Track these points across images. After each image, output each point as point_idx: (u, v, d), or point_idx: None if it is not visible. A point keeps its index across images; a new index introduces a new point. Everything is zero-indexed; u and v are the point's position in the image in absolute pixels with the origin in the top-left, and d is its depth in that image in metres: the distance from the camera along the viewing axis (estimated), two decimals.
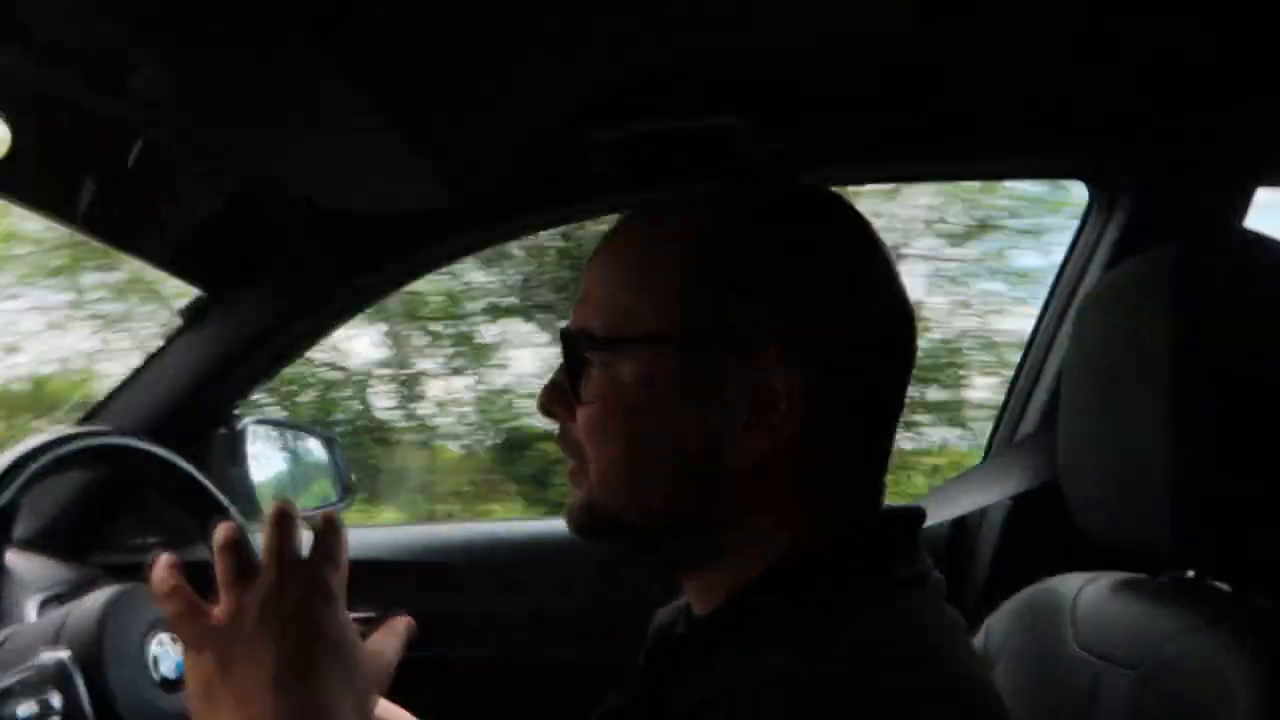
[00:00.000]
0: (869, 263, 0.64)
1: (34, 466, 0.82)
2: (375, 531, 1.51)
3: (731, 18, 0.88)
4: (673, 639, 0.64)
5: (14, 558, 1.20)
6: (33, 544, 1.32)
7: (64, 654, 0.78)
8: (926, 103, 1.08)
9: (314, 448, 1.60)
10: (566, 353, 0.65)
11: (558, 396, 0.67)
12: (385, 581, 1.41)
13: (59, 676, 0.78)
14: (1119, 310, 0.80)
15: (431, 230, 1.23)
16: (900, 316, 0.65)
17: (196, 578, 0.91)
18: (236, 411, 1.44)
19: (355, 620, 1.50)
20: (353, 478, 1.58)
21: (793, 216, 0.65)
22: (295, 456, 1.62)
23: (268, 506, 1.46)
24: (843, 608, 0.57)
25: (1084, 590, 0.83)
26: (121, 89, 0.79)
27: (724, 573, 0.63)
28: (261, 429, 1.50)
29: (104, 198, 1.10)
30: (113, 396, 1.34)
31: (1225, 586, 0.77)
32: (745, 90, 1.03)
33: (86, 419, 1.34)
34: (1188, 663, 0.67)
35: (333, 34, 0.76)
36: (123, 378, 1.35)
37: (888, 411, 0.65)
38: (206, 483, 0.99)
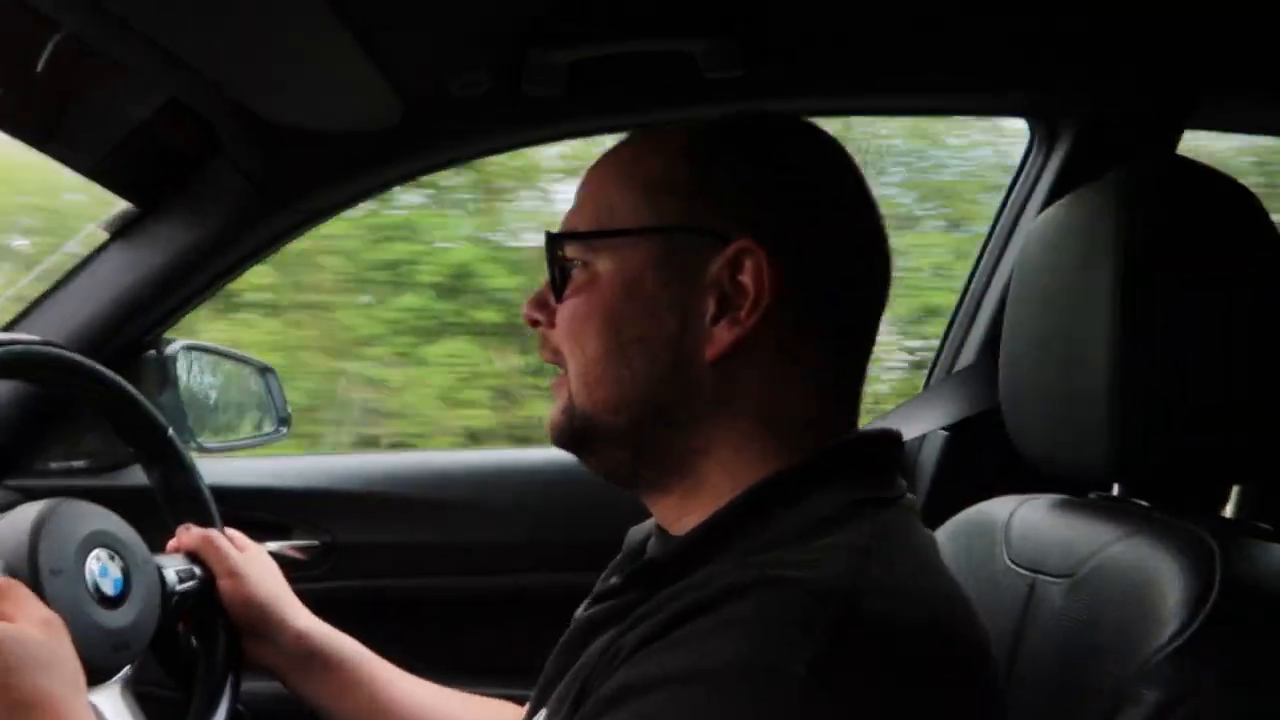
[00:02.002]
0: (842, 181, 0.67)
1: None
2: (338, 460, 1.49)
3: None
4: (655, 557, 0.64)
5: None
6: None
7: None
8: (872, 37, 1.09)
9: (249, 376, 1.55)
10: (549, 252, 0.67)
11: (540, 304, 0.69)
12: (343, 511, 1.39)
13: None
14: (1066, 237, 0.82)
15: (380, 151, 1.19)
16: (870, 235, 0.67)
17: (126, 504, 0.89)
18: (165, 334, 1.40)
19: (296, 548, 1.47)
20: (288, 410, 1.54)
21: (771, 133, 0.67)
22: (228, 385, 1.58)
23: (198, 434, 1.43)
24: (834, 517, 0.59)
25: (1017, 511, 0.87)
26: None
27: (703, 486, 0.65)
28: (193, 354, 1.45)
29: (21, 95, 1.04)
30: (31, 309, 1.27)
31: (1145, 503, 0.81)
32: (702, 17, 1.02)
33: (4, 330, 1.28)
34: (1116, 565, 0.70)
35: None
36: (42, 289, 1.28)
37: (859, 327, 0.67)
38: (146, 403, 0.95)
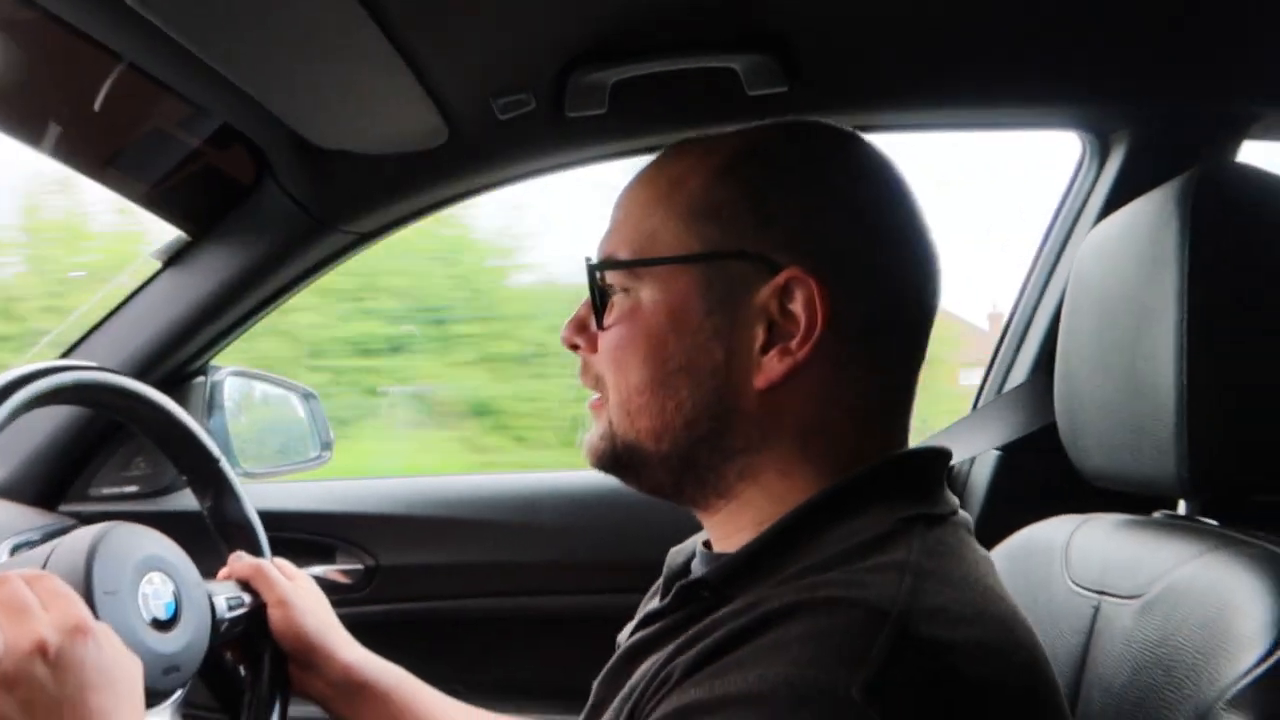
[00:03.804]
0: (892, 199, 0.65)
1: (26, 392, 0.77)
2: (382, 483, 1.49)
3: None
4: (701, 577, 0.63)
5: None
6: (0, 491, 1.29)
7: None
8: (921, 52, 1.08)
9: (292, 402, 1.57)
10: (590, 280, 0.66)
11: (580, 329, 0.68)
12: (392, 533, 1.40)
13: None
14: (1125, 248, 0.80)
15: (426, 173, 1.20)
16: (923, 255, 0.65)
17: (174, 527, 0.90)
18: (213, 360, 1.42)
19: (341, 571, 1.47)
20: (331, 435, 1.56)
21: (817, 147, 0.65)
22: (272, 410, 1.60)
23: (243, 459, 1.44)
24: (883, 536, 0.57)
25: (1077, 531, 0.84)
26: (116, 4, 0.76)
27: (748, 507, 0.64)
28: (238, 380, 1.47)
29: (78, 127, 1.06)
30: (87, 336, 1.30)
31: (1214, 522, 0.78)
32: (744, 34, 1.01)
33: (62, 357, 1.30)
34: (1190, 586, 0.67)
35: None
36: (97, 318, 1.31)
37: (909, 349, 0.65)
38: (199, 431, 0.96)
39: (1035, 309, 1.31)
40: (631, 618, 0.75)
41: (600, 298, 0.65)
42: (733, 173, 0.63)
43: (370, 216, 1.26)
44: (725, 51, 1.02)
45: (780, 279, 0.61)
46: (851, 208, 0.63)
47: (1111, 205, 1.18)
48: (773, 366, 0.61)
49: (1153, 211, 0.76)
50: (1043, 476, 1.03)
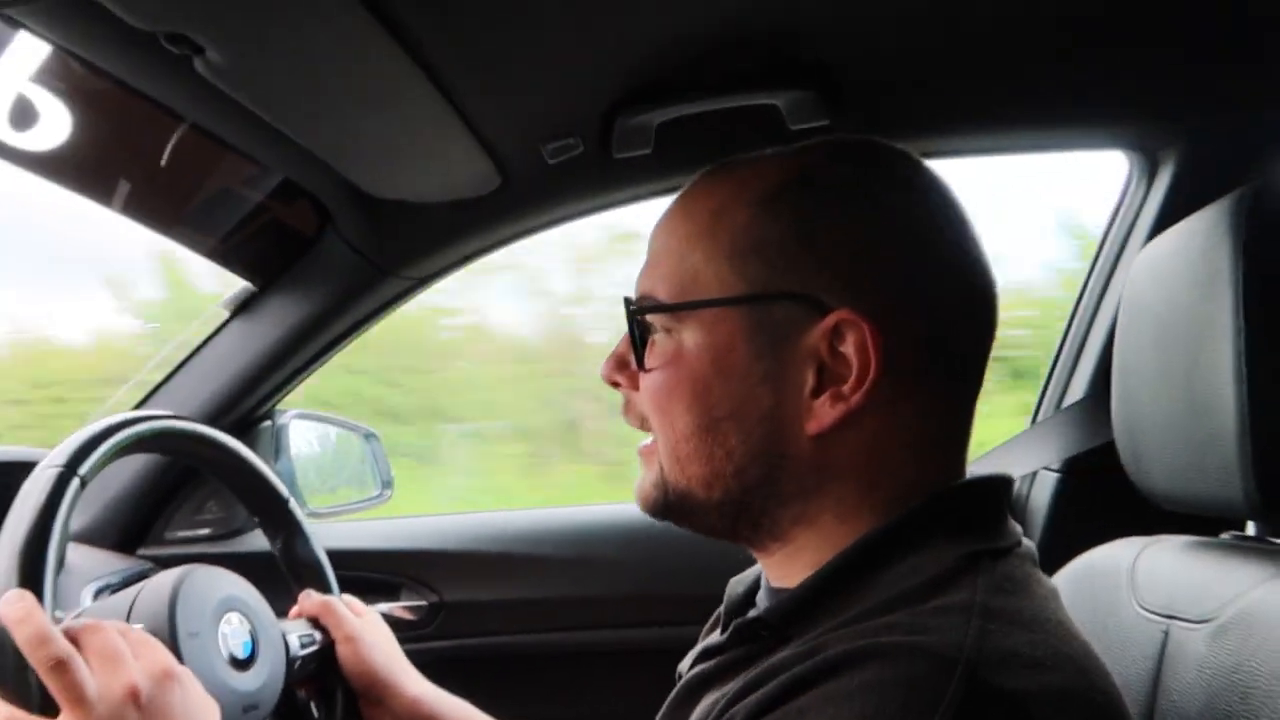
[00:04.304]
0: (945, 223, 0.61)
1: (117, 439, 0.81)
2: (443, 520, 1.52)
3: None
4: (760, 616, 0.61)
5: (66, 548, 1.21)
6: (81, 536, 1.34)
7: (139, 629, 0.78)
8: (962, 79, 1.08)
9: (354, 442, 1.61)
10: (630, 320, 0.63)
11: (620, 366, 0.66)
12: (455, 569, 1.42)
13: None
14: (1180, 265, 0.79)
15: (479, 218, 1.23)
16: (978, 280, 0.62)
17: (247, 568, 0.93)
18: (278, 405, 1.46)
19: (406, 608, 1.49)
20: (392, 473, 1.59)
21: (864, 170, 0.62)
22: (335, 451, 1.64)
23: (309, 500, 1.48)
24: (945, 575, 0.55)
25: (1143, 553, 0.83)
26: (188, 75, 0.80)
27: (805, 550, 0.62)
28: (303, 423, 1.51)
29: (148, 185, 1.11)
30: (159, 387, 1.35)
31: None
32: (785, 70, 1.03)
33: (138, 407, 1.35)
34: (1265, 609, 0.66)
35: (395, 13, 0.77)
36: (169, 369, 1.36)
37: (966, 378, 0.63)
38: (270, 474, 0.99)
39: (1090, 326, 1.30)
40: (689, 649, 0.75)
41: (640, 336, 0.63)
42: (777, 204, 0.60)
43: (427, 261, 1.29)
44: (766, 88, 1.03)
45: (830, 321, 0.58)
46: (904, 235, 0.60)
47: (1162, 223, 1.17)
48: (825, 412, 0.58)
49: (1206, 228, 0.76)
50: (1104, 496, 1.01)
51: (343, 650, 0.94)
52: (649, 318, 0.63)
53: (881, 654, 0.49)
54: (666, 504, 0.64)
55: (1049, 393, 1.34)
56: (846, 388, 0.58)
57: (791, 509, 0.61)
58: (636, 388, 0.65)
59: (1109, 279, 1.28)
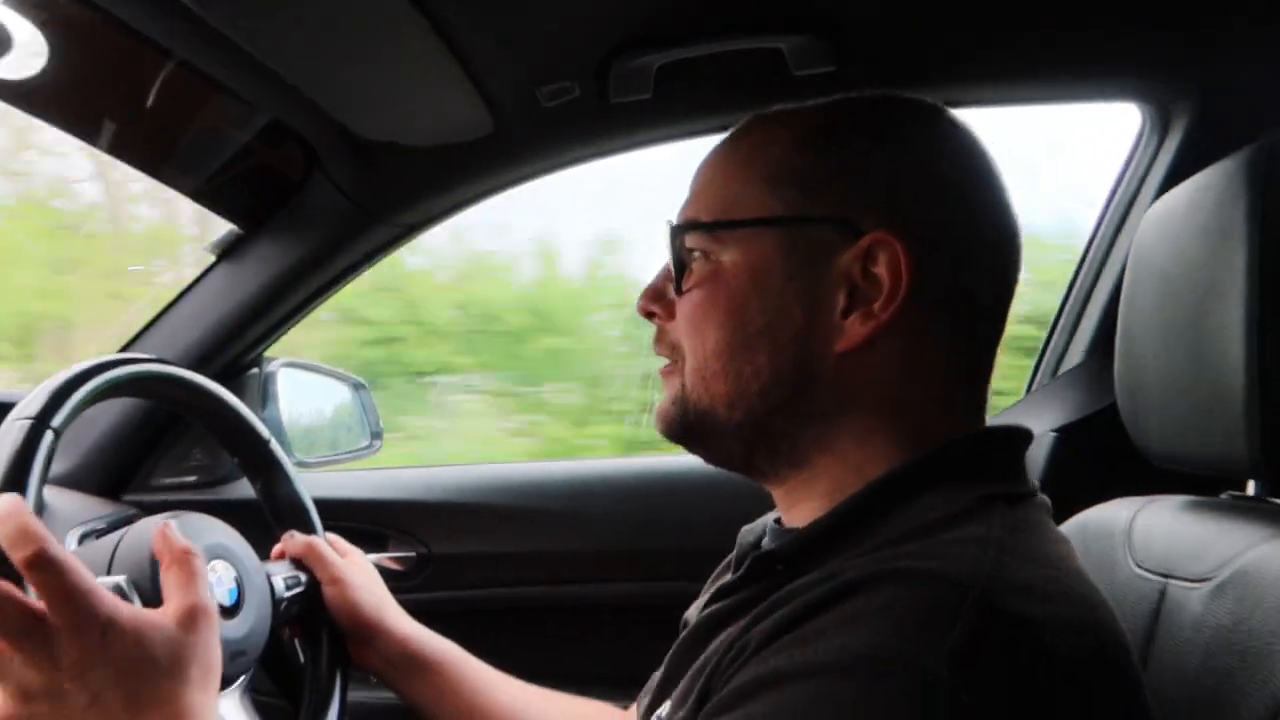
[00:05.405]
0: (973, 165, 0.65)
1: (90, 386, 0.79)
2: (432, 471, 1.51)
3: None
4: (776, 549, 0.62)
5: (49, 493, 1.20)
6: (65, 481, 1.33)
7: (120, 579, 0.77)
8: (969, 27, 1.05)
9: (343, 392, 1.59)
10: (672, 244, 0.65)
11: (657, 297, 0.68)
12: (444, 521, 1.41)
13: None
14: (1190, 222, 0.77)
15: (472, 163, 1.20)
16: (1004, 221, 0.65)
17: (232, 516, 0.91)
18: (266, 352, 1.44)
19: (394, 559, 1.49)
20: (381, 424, 1.58)
21: (902, 117, 0.65)
22: (323, 400, 1.62)
23: (296, 449, 1.47)
24: (961, 512, 0.56)
25: (1140, 513, 0.82)
26: (171, 2, 0.77)
27: (822, 477, 0.63)
28: (291, 371, 1.49)
29: (134, 123, 1.08)
30: (145, 330, 1.33)
31: None
32: (790, 13, 1.00)
33: (123, 350, 1.33)
34: (1265, 567, 0.65)
35: None
36: (155, 312, 1.33)
37: (991, 313, 0.64)
38: (249, 414, 0.97)
39: (1092, 288, 1.28)
40: (682, 605, 0.75)
41: (679, 263, 0.65)
42: (817, 139, 0.63)
43: (418, 208, 1.26)
44: (771, 32, 1.00)
45: (864, 242, 0.60)
46: (937, 178, 0.62)
47: (1172, 180, 1.15)
48: (854, 330, 0.60)
49: (1219, 184, 0.74)
50: (1100, 458, 1.01)
51: (329, 592, 0.94)
52: (688, 244, 0.65)
53: (898, 577, 0.51)
54: (685, 423, 0.66)
55: (1046, 358, 1.33)
56: (877, 305, 0.60)
57: (813, 431, 0.63)
58: (672, 316, 0.67)
59: (1114, 239, 1.26)
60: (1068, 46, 1.10)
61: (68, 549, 1.09)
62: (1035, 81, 1.17)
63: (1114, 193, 1.27)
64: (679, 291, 0.65)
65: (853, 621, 0.50)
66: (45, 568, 0.58)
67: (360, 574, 0.96)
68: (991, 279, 0.64)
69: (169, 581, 0.67)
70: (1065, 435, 1.22)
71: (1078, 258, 1.32)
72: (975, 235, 0.63)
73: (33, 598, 0.59)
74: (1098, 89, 1.19)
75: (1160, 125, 1.21)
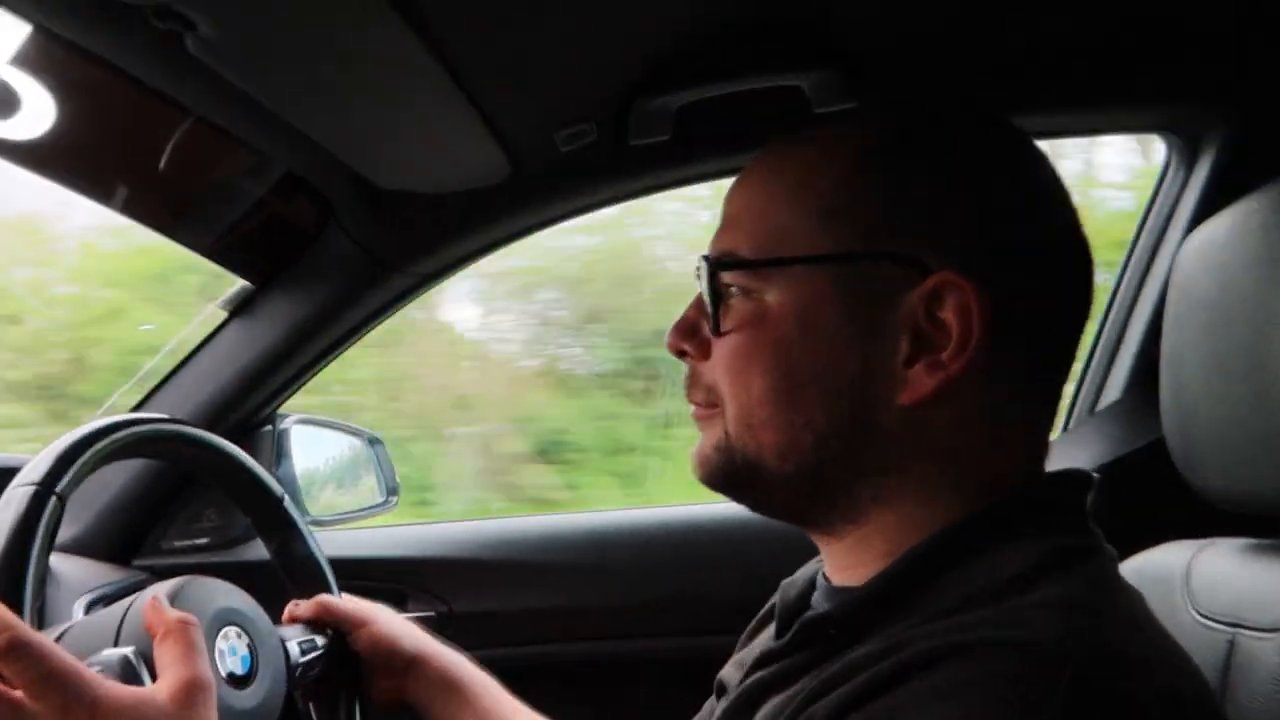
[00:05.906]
0: (1048, 193, 0.59)
1: (96, 448, 0.77)
2: (451, 527, 1.49)
3: None
4: (827, 613, 0.57)
5: (56, 560, 1.17)
6: (73, 547, 1.30)
7: (128, 650, 0.74)
8: (993, 60, 1.04)
9: (358, 448, 1.57)
10: (709, 280, 0.59)
11: (690, 332, 0.62)
12: (465, 578, 1.38)
13: (125, 675, 0.73)
14: (1236, 251, 0.74)
15: (489, 210, 1.19)
16: (1075, 244, 0.59)
17: (246, 578, 0.89)
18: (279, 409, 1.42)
19: (417, 619, 1.46)
20: (397, 480, 1.55)
21: (966, 134, 0.59)
22: (338, 457, 1.59)
23: (311, 507, 1.44)
24: (1033, 570, 0.51)
25: (1196, 557, 0.78)
26: (180, 55, 0.76)
27: (879, 535, 0.58)
28: (304, 428, 1.47)
29: (145, 181, 1.07)
30: (156, 390, 1.31)
31: None
32: (810, 49, 0.99)
33: (134, 410, 1.31)
34: None
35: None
36: (166, 370, 1.32)
37: (1063, 352, 0.59)
38: (261, 473, 0.95)
39: (1128, 320, 1.25)
40: (711, 659, 0.71)
41: (715, 300, 0.59)
42: (873, 163, 0.57)
43: (434, 256, 1.25)
44: (790, 69, 0.99)
45: (930, 283, 0.54)
46: (1008, 203, 0.57)
47: (1205, 209, 1.13)
48: (921, 381, 0.55)
49: (1265, 209, 0.71)
50: (1147, 499, 0.97)
51: (360, 635, 0.91)
52: (726, 279, 0.59)
53: (978, 649, 0.46)
54: (729, 471, 0.60)
55: (1083, 393, 1.29)
56: (945, 355, 0.55)
57: (871, 485, 0.57)
58: (707, 356, 0.61)
59: (1147, 270, 1.23)
60: (1093, 78, 1.08)
61: (75, 618, 1.07)
62: (1060, 114, 1.15)
63: (1142, 224, 1.25)
64: (716, 332, 0.59)
65: (933, 700, 0.45)
66: (20, 655, 0.55)
67: (380, 612, 0.94)
68: (1066, 321, 0.59)
69: (163, 654, 0.63)
70: (1108, 474, 1.18)
71: (1109, 292, 1.29)
72: (1049, 269, 0.58)
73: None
74: (1125, 121, 1.18)
75: (1189, 155, 1.19)
